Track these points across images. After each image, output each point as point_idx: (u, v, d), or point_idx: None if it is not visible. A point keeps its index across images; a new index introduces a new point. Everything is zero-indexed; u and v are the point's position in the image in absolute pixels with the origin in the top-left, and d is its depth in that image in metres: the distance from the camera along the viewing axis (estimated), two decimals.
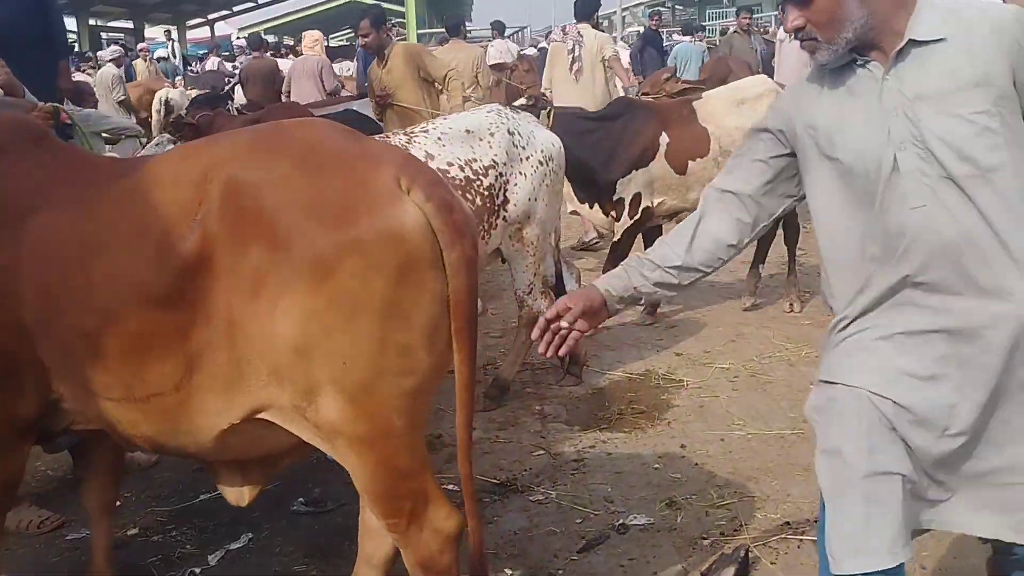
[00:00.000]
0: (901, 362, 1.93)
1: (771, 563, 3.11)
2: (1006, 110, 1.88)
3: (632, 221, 5.49)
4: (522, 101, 5.22)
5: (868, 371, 1.96)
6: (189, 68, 17.19)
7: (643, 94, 7.26)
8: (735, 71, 9.43)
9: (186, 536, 3.46)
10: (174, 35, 22.62)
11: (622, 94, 8.00)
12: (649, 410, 4.49)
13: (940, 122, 1.87)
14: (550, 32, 19.08)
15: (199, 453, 2.41)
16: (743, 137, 2.24)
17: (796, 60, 8.52)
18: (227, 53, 16.28)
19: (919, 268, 1.89)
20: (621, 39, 20.73)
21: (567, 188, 5.22)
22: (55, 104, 3.96)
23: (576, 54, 7.88)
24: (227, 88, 11.22)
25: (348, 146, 2.22)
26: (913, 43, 1.89)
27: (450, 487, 3.43)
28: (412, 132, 4.18)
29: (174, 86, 12.92)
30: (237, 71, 12.41)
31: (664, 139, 5.45)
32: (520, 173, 4.28)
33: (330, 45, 13.86)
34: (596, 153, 5.33)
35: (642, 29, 17.14)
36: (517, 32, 34.34)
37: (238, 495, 2.57)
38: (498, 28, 13.83)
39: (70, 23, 24.81)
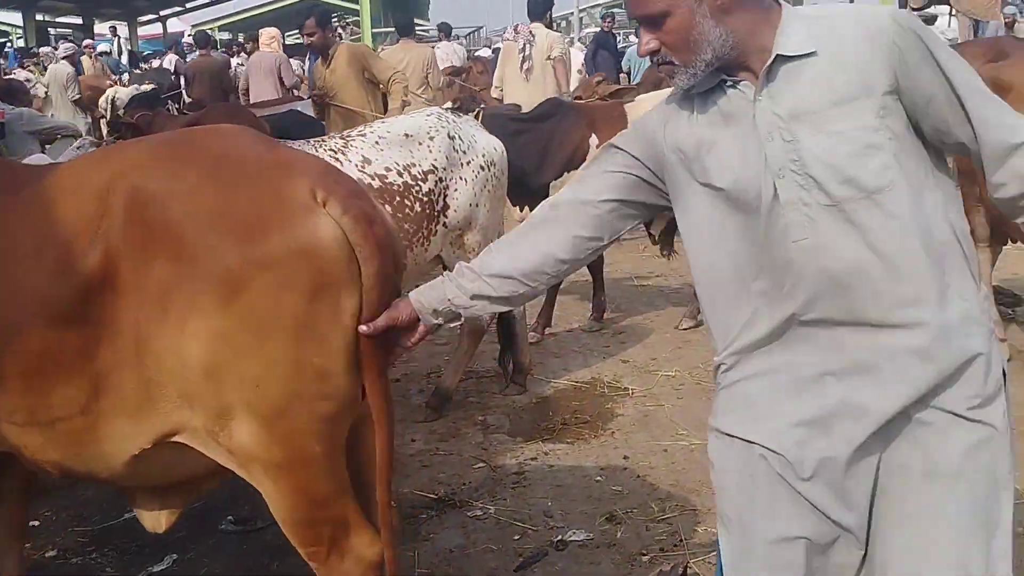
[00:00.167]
0: (792, 410, 1.73)
1: None
2: (892, 121, 1.68)
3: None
4: (448, 105, 5.11)
5: (759, 421, 1.76)
6: (142, 65, 16.83)
7: (576, 98, 7.19)
8: (667, 79, 9.40)
9: (107, 558, 3.32)
10: (120, 31, 22.14)
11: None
12: (593, 420, 4.42)
13: (818, 142, 1.67)
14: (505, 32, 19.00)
15: (112, 479, 2.29)
16: (599, 150, 2.01)
17: None
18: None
19: (806, 304, 1.70)
20: (578, 40, 20.70)
21: None
22: None
23: (527, 53, 7.82)
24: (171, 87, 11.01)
25: (261, 155, 2.11)
26: (782, 59, 1.70)
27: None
28: (349, 136, 4.07)
29: (120, 83, 12.62)
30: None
31: (594, 140, 5.35)
32: (461, 178, 4.19)
33: (286, 43, 13.66)
34: (527, 155, 5.22)
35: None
36: (473, 32, 34.19)
37: (155, 520, 2.44)
38: (444, 30, 13.66)
39: (15, 18, 24.29)
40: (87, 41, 15.16)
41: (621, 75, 11.66)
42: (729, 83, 1.75)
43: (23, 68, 13.41)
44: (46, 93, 12.33)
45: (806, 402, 1.72)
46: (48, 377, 2.10)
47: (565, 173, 5.33)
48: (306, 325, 1.97)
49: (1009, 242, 4.86)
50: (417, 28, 18.26)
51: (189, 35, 19.32)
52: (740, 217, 1.74)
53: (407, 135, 4.07)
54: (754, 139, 1.71)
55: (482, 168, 4.26)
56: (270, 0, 31.65)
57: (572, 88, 8.68)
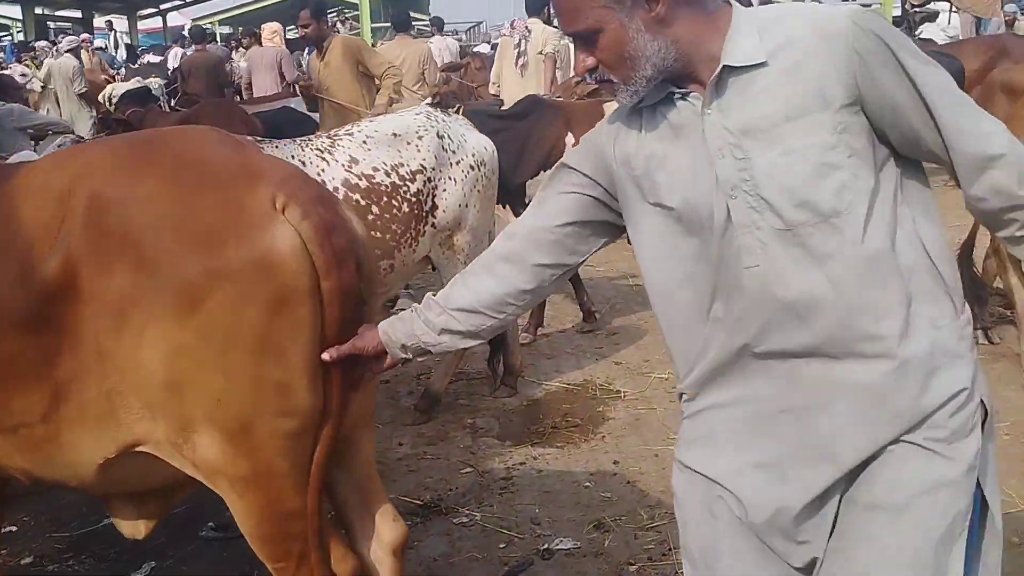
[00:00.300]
0: (751, 450, 1.62)
1: None
2: (851, 137, 1.52)
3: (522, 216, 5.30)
4: (427, 100, 5.02)
5: (720, 457, 1.65)
6: (142, 60, 16.74)
7: (556, 98, 7.12)
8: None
9: (84, 565, 3.26)
10: (116, 25, 22.03)
11: None
12: (584, 423, 4.35)
13: (771, 161, 1.52)
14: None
15: (83, 486, 2.24)
16: (553, 170, 1.87)
17: None
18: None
19: (758, 335, 1.57)
20: None
21: None
22: None
23: (522, 48, 7.73)
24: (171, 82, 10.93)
25: (226, 160, 2.04)
26: (730, 70, 1.54)
27: None
28: (336, 135, 3.99)
29: (115, 78, 12.53)
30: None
31: (570, 139, 5.26)
32: (450, 178, 4.11)
33: (287, 38, 13.58)
34: (505, 153, 5.09)
35: None
36: (472, 28, 34.02)
37: (133, 528, 2.39)
38: (437, 24, 13.50)
39: (14, 11, 24.19)
40: (84, 35, 15.06)
41: None
42: (678, 95, 1.61)
43: (20, 62, 13.30)
44: (43, 87, 12.28)
45: (764, 443, 1.61)
46: (8, 383, 2.04)
47: (541, 172, 5.24)
48: (266, 339, 1.90)
49: None
50: (419, 23, 18.17)
51: (188, 30, 19.24)
52: (694, 239, 1.62)
53: (395, 134, 4.00)
54: (704, 155, 1.58)
55: (472, 168, 4.19)
56: None
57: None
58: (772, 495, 1.60)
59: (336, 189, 3.70)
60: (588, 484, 3.74)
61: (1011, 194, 1.53)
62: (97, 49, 14.38)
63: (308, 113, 6.83)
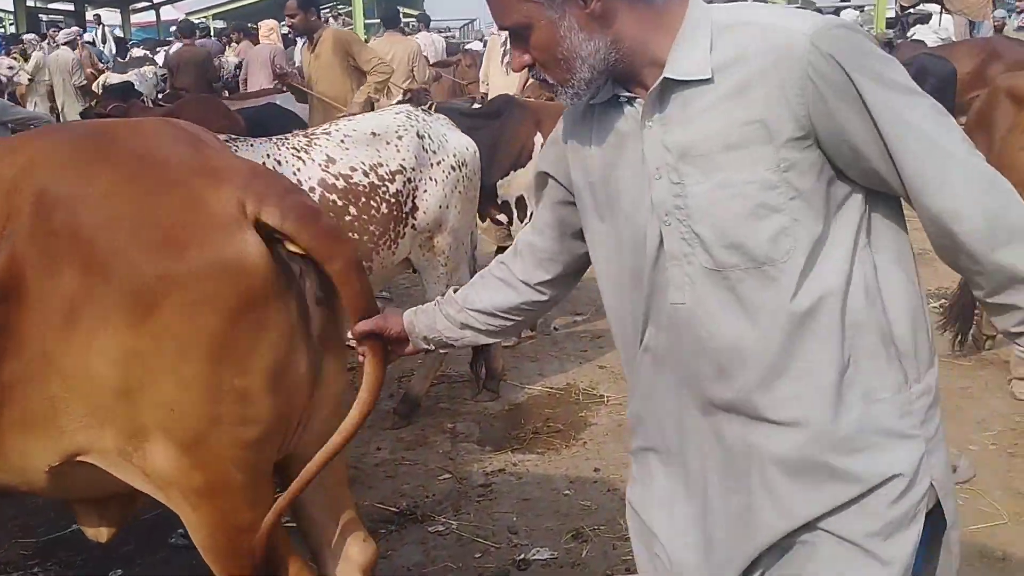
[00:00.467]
0: (682, 510, 1.50)
1: None
2: (797, 176, 1.33)
3: (525, 226, 5.21)
4: (399, 97, 4.93)
5: (659, 508, 1.54)
6: (131, 54, 16.59)
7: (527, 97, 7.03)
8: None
9: (50, 573, 3.18)
10: (109, 19, 21.89)
11: None
12: (566, 428, 4.29)
13: (705, 193, 1.35)
14: None
15: (35, 492, 2.16)
16: (534, 177, 1.78)
17: None
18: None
19: (683, 380, 1.43)
20: None
21: None
22: None
23: (508, 46, 7.64)
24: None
25: (186, 158, 1.95)
26: (673, 82, 1.37)
27: None
28: (313, 133, 3.91)
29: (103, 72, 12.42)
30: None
31: (539, 139, 5.15)
32: (430, 179, 4.04)
33: (285, 34, 13.52)
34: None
35: None
36: (466, 25, 33.85)
37: (96, 533, 2.32)
38: (423, 20, 13.42)
39: (6, 3, 24.01)
40: (74, 28, 14.94)
41: None
42: (623, 99, 1.45)
43: (8, 55, 13.19)
44: (30, 80, 12.18)
45: (694, 502, 1.50)
46: None
47: (512, 172, 5.14)
48: (225, 347, 1.82)
49: None
50: (412, 19, 18.05)
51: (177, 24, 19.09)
52: (634, 259, 1.47)
53: (374, 133, 3.92)
54: (642, 173, 1.42)
55: (453, 168, 4.11)
56: None
57: None
58: (701, 566, 1.49)
59: (312, 189, 3.63)
60: (568, 492, 3.68)
61: (980, 258, 1.33)
62: (86, 43, 14.24)
63: (293, 110, 6.72)
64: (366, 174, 3.83)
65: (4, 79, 10.88)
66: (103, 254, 1.82)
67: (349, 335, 1.96)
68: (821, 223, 1.35)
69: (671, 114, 1.39)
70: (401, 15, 11.03)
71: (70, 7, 25.70)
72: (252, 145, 3.64)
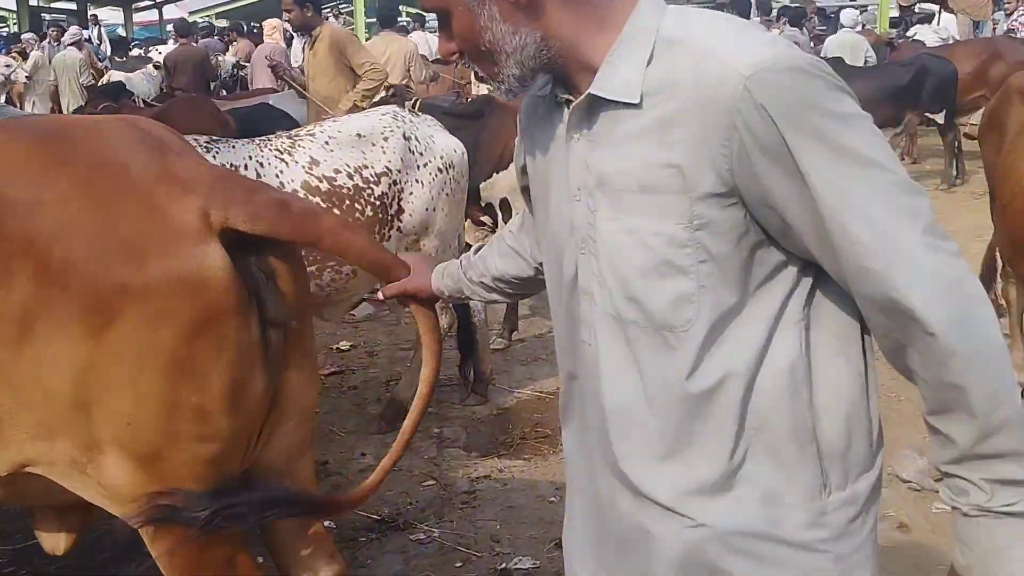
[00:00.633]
0: (590, 562, 1.39)
1: None
2: (714, 236, 1.13)
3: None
4: (382, 95, 4.85)
5: (572, 556, 1.45)
6: (131, 54, 16.57)
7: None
8: None
9: None
10: (111, 18, 21.86)
11: None
12: (554, 434, 4.22)
13: (612, 233, 1.19)
14: None
15: None
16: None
17: None
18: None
19: (588, 429, 1.29)
20: None
21: None
22: None
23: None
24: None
25: (147, 164, 1.88)
26: (597, 98, 1.21)
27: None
28: (297, 135, 3.85)
29: (103, 72, 12.39)
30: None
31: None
32: (417, 181, 3.99)
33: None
34: None
35: None
36: None
37: (54, 542, 2.27)
38: (417, 19, 13.33)
39: (8, 2, 23.99)
40: (73, 28, 14.91)
41: None
42: (560, 99, 1.30)
43: (7, 54, 13.17)
44: (28, 79, 12.15)
45: (602, 561, 1.36)
46: None
47: (494, 174, 5.06)
48: (184, 362, 1.77)
49: None
50: (401, 19, 18.00)
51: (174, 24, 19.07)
52: (560, 279, 1.33)
53: (359, 135, 3.87)
54: (566, 189, 1.27)
55: (440, 171, 4.06)
56: None
57: None
58: None
59: (295, 192, 3.58)
60: (553, 499, 3.62)
61: (927, 375, 1.10)
62: (84, 42, 14.22)
63: (286, 110, 6.67)
64: (350, 176, 3.78)
65: (1, 77, 10.85)
66: (59, 263, 1.76)
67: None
68: (735, 294, 1.16)
69: (599, 131, 1.22)
70: (404, 14, 10.94)
71: (72, 6, 25.69)
72: (234, 147, 3.59)
